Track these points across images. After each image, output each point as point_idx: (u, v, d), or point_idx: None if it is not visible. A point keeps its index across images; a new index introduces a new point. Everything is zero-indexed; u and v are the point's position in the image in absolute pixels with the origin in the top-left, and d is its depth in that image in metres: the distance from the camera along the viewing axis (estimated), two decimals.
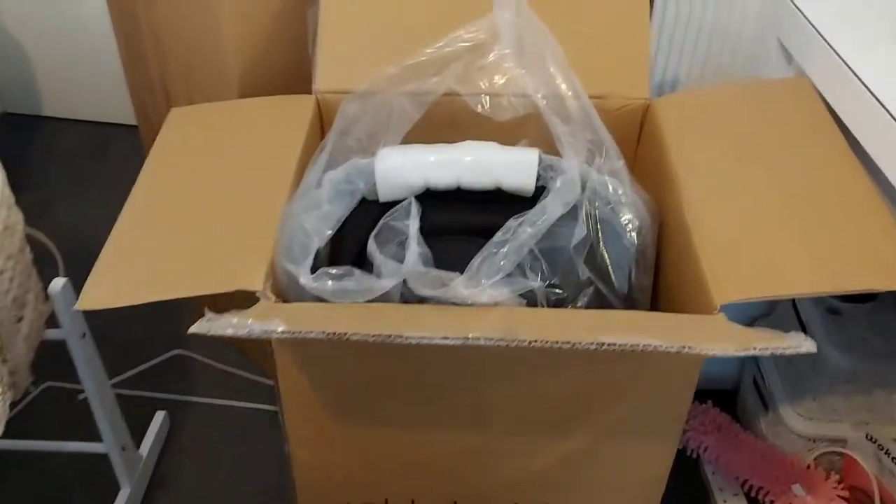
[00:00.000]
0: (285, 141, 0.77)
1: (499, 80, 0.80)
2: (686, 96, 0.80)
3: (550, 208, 0.59)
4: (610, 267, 0.65)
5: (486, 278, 0.54)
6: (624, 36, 0.82)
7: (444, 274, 0.53)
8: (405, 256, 0.54)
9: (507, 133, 0.81)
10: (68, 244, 1.49)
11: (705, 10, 1.07)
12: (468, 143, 0.69)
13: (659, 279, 0.70)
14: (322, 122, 0.83)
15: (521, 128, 0.80)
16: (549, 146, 0.75)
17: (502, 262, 0.55)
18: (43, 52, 1.75)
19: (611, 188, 0.66)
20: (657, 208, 0.70)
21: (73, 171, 1.71)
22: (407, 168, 0.66)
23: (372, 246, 0.56)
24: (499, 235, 0.57)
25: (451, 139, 0.82)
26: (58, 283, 0.83)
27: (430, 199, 0.68)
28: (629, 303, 0.65)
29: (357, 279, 0.54)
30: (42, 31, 1.70)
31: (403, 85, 0.76)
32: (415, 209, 0.57)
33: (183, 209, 0.69)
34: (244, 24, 0.87)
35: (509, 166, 0.66)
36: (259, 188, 0.70)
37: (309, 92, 0.85)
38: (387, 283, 0.53)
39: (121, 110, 1.66)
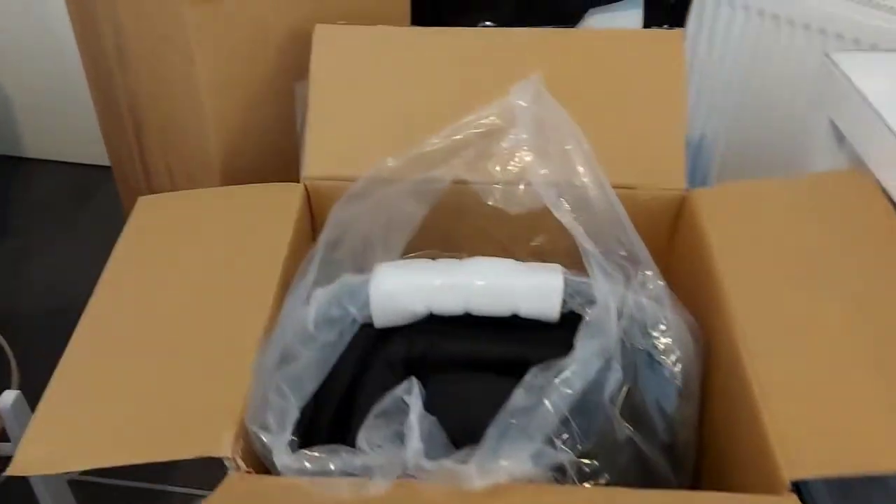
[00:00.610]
0: (268, 241, 0.66)
1: (513, 168, 0.70)
2: (729, 190, 0.70)
3: (586, 363, 0.49)
4: (650, 411, 0.55)
5: (505, 459, 0.44)
6: (655, 116, 0.72)
7: (454, 468, 0.43)
8: (406, 443, 0.44)
9: (521, 227, 0.72)
10: (40, 306, 1.39)
11: (748, 78, 0.97)
12: (478, 261, 0.58)
13: (704, 419, 0.60)
14: (312, 214, 0.73)
15: (537, 222, 0.70)
16: (568, 242, 0.65)
17: (525, 440, 0.45)
18: (22, 89, 1.64)
19: (650, 314, 0.56)
20: (702, 332, 0.60)
21: (53, 217, 1.60)
22: (408, 293, 0.56)
23: (361, 439, 0.45)
24: (519, 397, 0.47)
25: (457, 232, 0.72)
26: (9, 397, 0.72)
27: (433, 322, 0.58)
28: (674, 457, 0.55)
29: (344, 462, 0.44)
30: (21, 67, 1.60)
31: (404, 178, 0.66)
32: (417, 389, 0.47)
33: (144, 337, 0.58)
34: (225, 96, 0.77)
35: (528, 292, 0.56)
36: (236, 306, 0.60)
37: (297, 169, 0.75)
38: (381, 484, 0.42)
39: (105, 152, 1.56)
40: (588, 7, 1.04)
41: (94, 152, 1.65)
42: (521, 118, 0.68)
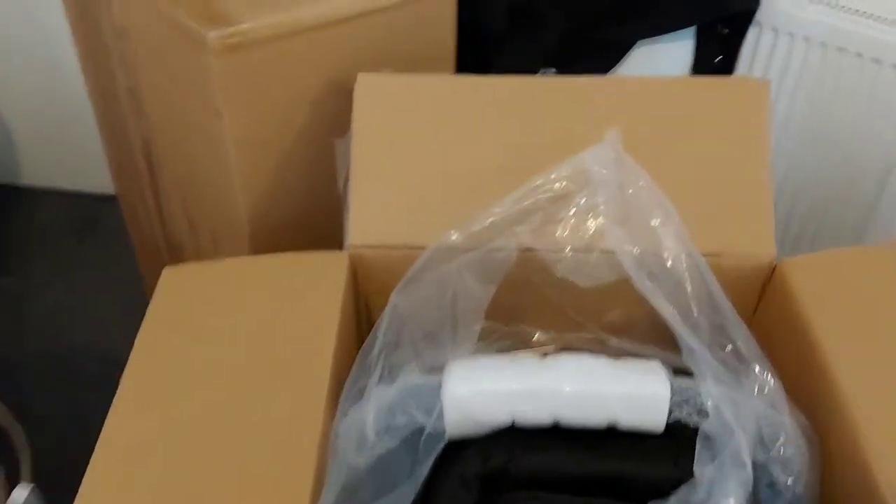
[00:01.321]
0: (313, 322, 0.59)
1: (586, 235, 0.62)
2: (828, 259, 0.62)
3: (710, 490, 0.41)
4: None
5: None
6: (740, 175, 0.65)
7: None
8: None
9: (592, 299, 0.64)
10: (42, 353, 1.30)
11: (815, 120, 0.90)
12: (566, 361, 0.51)
13: None
14: (357, 288, 0.65)
15: (612, 294, 0.62)
16: (648, 317, 0.58)
17: None
18: (19, 113, 1.56)
19: (769, 424, 0.48)
20: (817, 436, 0.53)
21: (56, 252, 1.52)
22: (487, 400, 0.48)
23: None
24: None
25: (521, 305, 0.65)
26: (21, 494, 0.65)
27: (514, 431, 0.50)
28: None
29: None
30: (18, 91, 1.52)
31: (466, 252, 0.58)
32: None
33: (176, 439, 0.51)
34: (256, 153, 0.69)
35: (629, 402, 0.48)
36: (283, 404, 0.52)
37: (335, 230, 0.68)
38: None
39: (107, 181, 1.48)
40: (635, 39, 0.96)
41: (99, 181, 1.58)
42: (595, 180, 0.61)
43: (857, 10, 0.87)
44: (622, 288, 0.60)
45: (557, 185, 0.61)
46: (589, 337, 0.66)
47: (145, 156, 0.84)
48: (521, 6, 0.88)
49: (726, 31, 0.96)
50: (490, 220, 0.59)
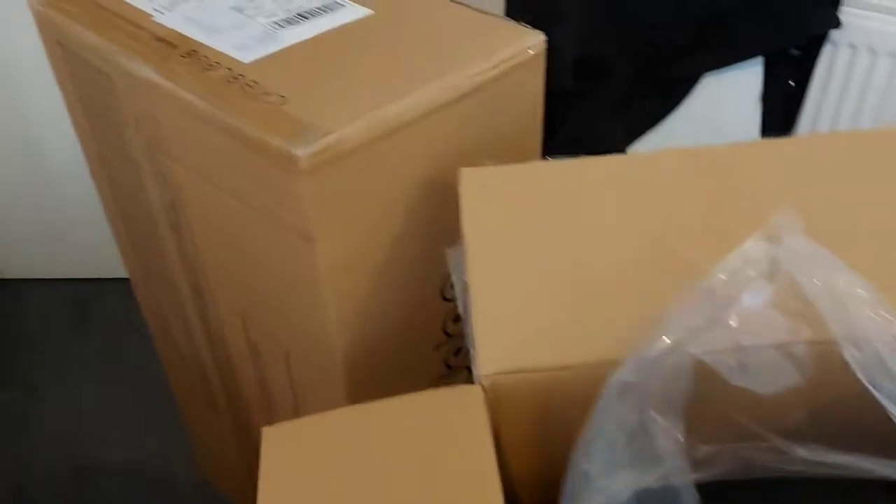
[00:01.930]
0: (465, 472, 0.49)
1: (759, 329, 0.54)
2: None
3: None
4: None
5: None
6: None
7: None
8: None
9: (774, 409, 0.55)
10: (60, 469, 1.17)
11: None
12: None
13: None
14: (496, 427, 0.55)
15: (796, 397, 0.54)
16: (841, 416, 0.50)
17: None
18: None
19: None
20: None
21: (47, 349, 1.39)
22: None
23: None
24: None
25: (691, 420, 0.56)
26: None
27: None
28: None
29: None
30: None
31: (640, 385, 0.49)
32: None
33: None
34: (351, 276, 0.59)
35: None
36: None
37: (441, 348, 0.58)
38: None
39: (102, 262, 1.36)
40: (701, 72, 0.89)
41: (89, 265, 1.45)
42: (774, 269, 0.52)
43: None
44: (806, 389, 0.52)
45: (726, 278, 0.52)
46: (766, 446, 0.57)
47: (189, 278, 0.73)
48: (588, 57, 0.80)
49: (797, 52, 0.89)
50: (661, 340, 0.50)
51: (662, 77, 0.87)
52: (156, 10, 0.68)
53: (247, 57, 0.61)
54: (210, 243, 0.68)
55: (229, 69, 0.60)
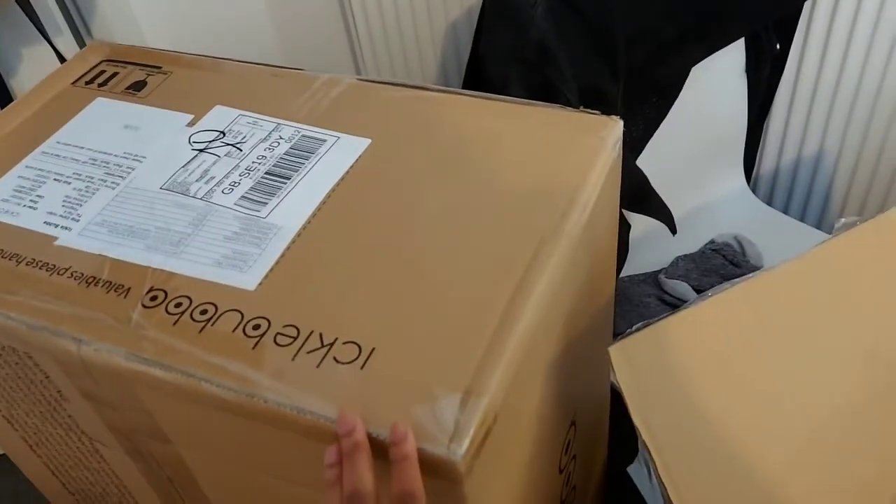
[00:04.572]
0: None
1: None
2: None
3: None
4: None
5: None
6: None
7: None
8: None
9: None
10: None
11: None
12: None
13: None
14: None
15: None
16: None
17: None
18: None
19: None
20: None
21: None
22: None
23: None
24: None
25: None
26: None
27: None
28: None
29: None
30: None
31: None
32: None
33: None
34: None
35: None
36: None
37: None
38: None
39: None
40: (690, 67, 0.77)
41: None
42: None
43: None
44: None
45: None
46: None
47: None
48: (583, 89, 0.65)
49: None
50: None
51: (653, 83, 0.74)
52: (51, 224, 0.44)
53: (245, 281, 0.39)
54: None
55: (235, 310, 0.38)
